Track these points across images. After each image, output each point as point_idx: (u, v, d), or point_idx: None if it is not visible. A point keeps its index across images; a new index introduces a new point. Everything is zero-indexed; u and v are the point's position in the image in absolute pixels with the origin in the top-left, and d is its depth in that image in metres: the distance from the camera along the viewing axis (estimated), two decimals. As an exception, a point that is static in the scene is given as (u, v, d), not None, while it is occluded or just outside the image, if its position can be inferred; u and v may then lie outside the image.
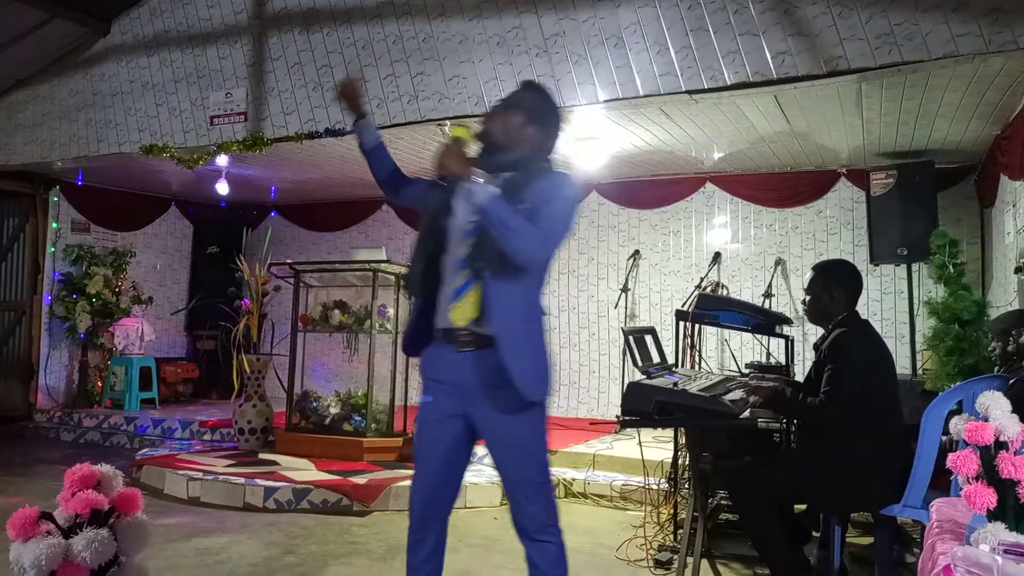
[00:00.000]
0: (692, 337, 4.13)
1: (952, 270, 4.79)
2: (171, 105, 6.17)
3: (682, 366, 4.00)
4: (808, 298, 3.26)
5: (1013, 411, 1.77)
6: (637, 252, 7.24)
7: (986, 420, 1.76)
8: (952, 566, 1.64)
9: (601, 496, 4.99)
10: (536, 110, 2.38)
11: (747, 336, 6.56)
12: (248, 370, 6.12)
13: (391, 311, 5.81)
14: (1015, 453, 1.70)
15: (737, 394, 3.02)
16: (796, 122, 5.28)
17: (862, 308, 3.30)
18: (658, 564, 3.61)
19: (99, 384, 7.90)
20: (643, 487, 4.54)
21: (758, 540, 3.12)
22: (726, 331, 6.58)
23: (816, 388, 3.06)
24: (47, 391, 7.77)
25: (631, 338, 3.38)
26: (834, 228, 6.64)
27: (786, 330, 4.33)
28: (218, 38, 5.99)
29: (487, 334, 2.20)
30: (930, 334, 4.67)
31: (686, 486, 3.97)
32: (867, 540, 3.93)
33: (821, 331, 3.32)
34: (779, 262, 6.73)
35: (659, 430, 5.67)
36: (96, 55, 6.50)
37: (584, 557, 3.84)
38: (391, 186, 2.54)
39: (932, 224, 5.32)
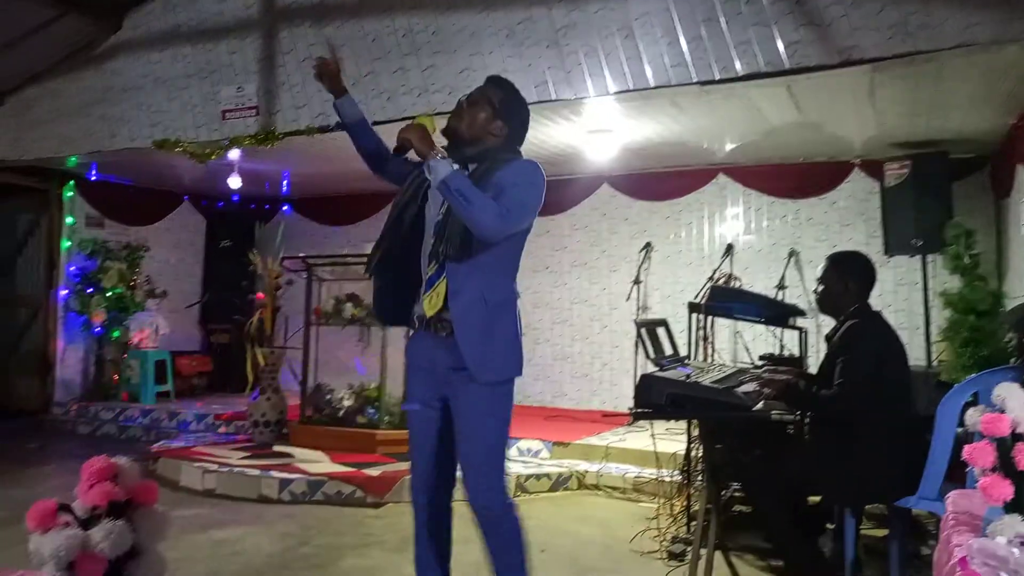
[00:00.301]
0: (705, 329, 4.12)
1: (968, 261, 4.75)
2: (183, 100, 6.19)
3: (695, 358, 4.00)
4: (821, 288, 3.25)
5: (1030, 402, 1.76)
6: (649, 244, 7.22)
7: (1003, 412, 1.75)
8: (968, 558, 1.63)
9: (614, 488, 5.00)
10: (502, 104, 2.44)
11: (760, 328, 6.52)
12: (262, 363, 6.15)
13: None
14: (1032, 445, 1.69)
15: (750, 386, 3.01)
16: (809, 113, 5.24)
17: (876, 300, 3.28)
18: (672, 556, 3.62)
19: (115, 377, 7.96)
20: (656, 479, 4.54)
21: (772, 532, 3.13)
22: (739, 323, 6.55)
23: (829, 380, 3.05)
24: (64, 385, 7.85)
25: (643, 330, 3.38)
26: (848, 219, 6.59)
27: (799, 322, 4.31)
28: (229, 32, 6.00)
29: (450, 319, 2.31)
30: (945, 325, 4.64)
31: (699, 478, 3.97)
32: (881, 532, 3.91)
33: (834, 323, 3.31)
34: (792, 254, 6.68)
35: (672, 422, 5.65)
36: (108, 51, 6.52)
37: (598, 549, 3.85)
38: (376, 161, 2.66)
39: (947, 215, 5.27)
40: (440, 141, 2.38)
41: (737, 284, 6.32)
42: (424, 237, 2.43)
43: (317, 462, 5.24)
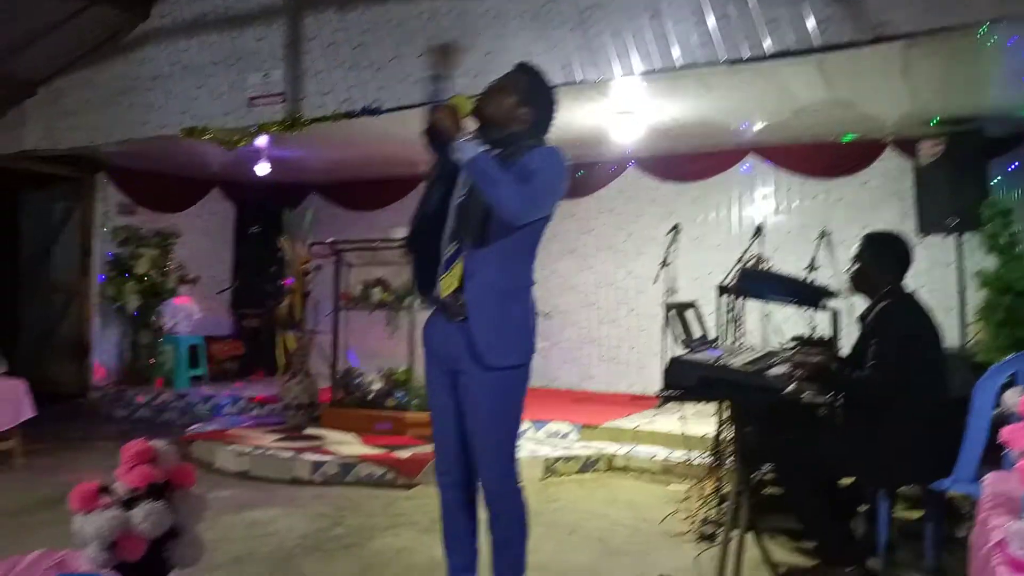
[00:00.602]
0: (734, 311, 4.08)
1: (1005, 240, 4.65)
2: (211, 87, 6.24)
3: (724, 341, 3.97)
4: (855, 267, 3.20)
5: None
6: (677, 226, 7.14)
7: (1042, 393, 1.72)
8: (1006, 541, 1.61)
9: (643, 470, 5.00)
10: (528, 91, 2.47)
11: (790, 310, 6.44)
12: (293, 347, 6.22)
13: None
14: (1072, 426, 1.66)
15: (781, 368, 2.99)
16: (840, 91, 5.14)
17: (909, 280, 3.23)
18: (702, 538, 3.62)
19: (150, 362, 8.11)
20: (686, 461, 4.53)
21: (803, 514, 3.11)
22: (769, 305, 6.49)
23: (862, 361, 3.01)
24: (101, 369, 8.00)
25: (673, 313, 3.36)
26: (880, 199, 6.48)
27: (831, 303, 4.26)
28: (255, 19, 6.02)
29: (465, 302, 2.35)
30: (981, 306, 4.56)
31: (729, 460, 3.95)
32: (915, 514, 3.87)
33: (866, 304, 3.26)
34: (823, 234, 6.59)
35: (701, 405, 5.63)
36: (136, 39, 6.58)
37: (627, 531, 3.87)
38: None
39: (982, 193, 5.16)
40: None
41: (767, 265, 6.23)
42: (449, 218, 2.46)
43: (348, 444, 5.31)
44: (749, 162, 6.95)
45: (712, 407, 4.45)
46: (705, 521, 3.78)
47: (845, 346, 4.37)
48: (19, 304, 8.46)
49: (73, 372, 8.06)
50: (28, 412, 5.04)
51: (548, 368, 7.59)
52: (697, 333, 3.49)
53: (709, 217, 7.15)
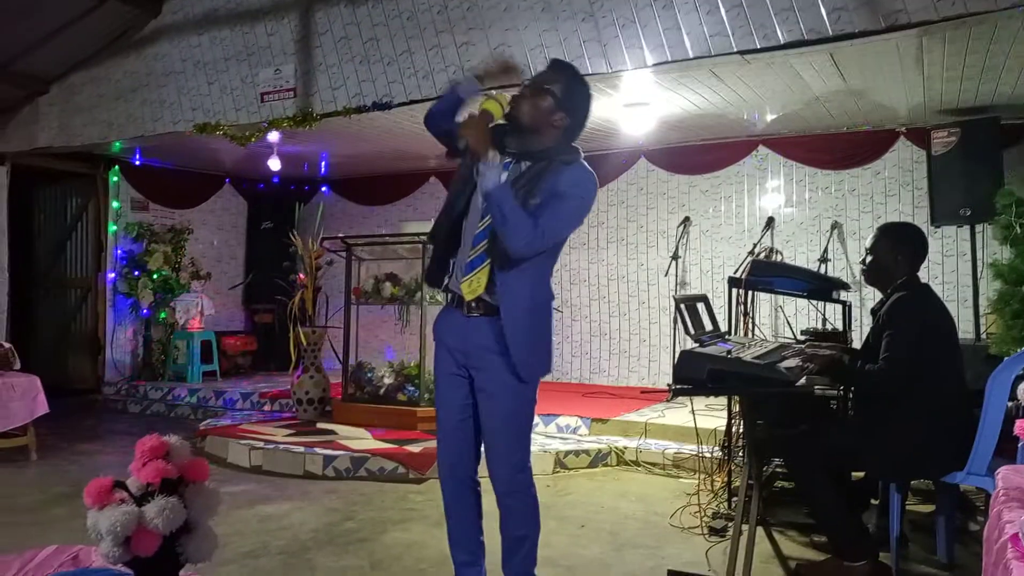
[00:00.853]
0: (745, 304, 4.06)
1: (1019, 230, 4.60)
2: (222, 83, 6.26)
3: (735, 334, 3.95)
4: (870, 258, 3.18)
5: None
6: (687, 219, 7.14)
7: (1056, 386, 1.70)
8: (1020, 534, 1.60)
9: (654, 464, 4.99)
10: (566, 95, 2.37)
11: (802, 302, 6.43)
12: (304, 342, 6.25)
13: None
14: (1087, 419, 1.64)
15: (793, 361, 2.97)
16: (853, 80, 5.10)
17: (922, 271, 3.21)
18: (713, 531, 3.61)
19: (163, 357, 8.17)
20: (696, 455, 4.52)
21: (815, 508, 3.09)
22: (780, 297, 6.47)
23: (874, 354, 2.99)
24: (114, 365, 8.08)
25: (683, 306, 3.34)
26: (893, 189, 6.43)
27: (843, 295, 4.23)
28: (266, 15, 6.04)
29: (494, 304, 2.33)
30: (995, 297, 4.51)
31: (740, 454, 3.95)
32: (928, 508, 3.86)
33: (880, 295, 3.24)
34: (835, 225, 6.56)
35: (711, 398, 5.62)
36: (148, 36, 6.61)
37: (638, 524, 3.87)
38: (448, 137, 2.51)
39: (997, 183, 5.10)
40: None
41: (778, 257, 6.22)
42: (470, 218, 2.41)
43: (360, 439, 5.33)
44: (760, 154, 6.91)
45: (723, 400, 4.44)
46: (716, 515, 3.77)
47: (857, 339, 4.36)
48: (34, 300, 8.53)
49: (88, 367, 8.14)
50: (42, 408, 5.09)
51: (558, 362, 7.60)
52: (708, 326, 3.47)
53: (720, 209, 7.12)
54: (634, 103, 5.68)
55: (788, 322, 6.29)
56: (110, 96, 6.86)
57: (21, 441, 5.12)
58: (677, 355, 2.91)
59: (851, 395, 3.59)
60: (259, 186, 9.31)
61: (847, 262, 6.51)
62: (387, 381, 5.93)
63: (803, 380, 2.89)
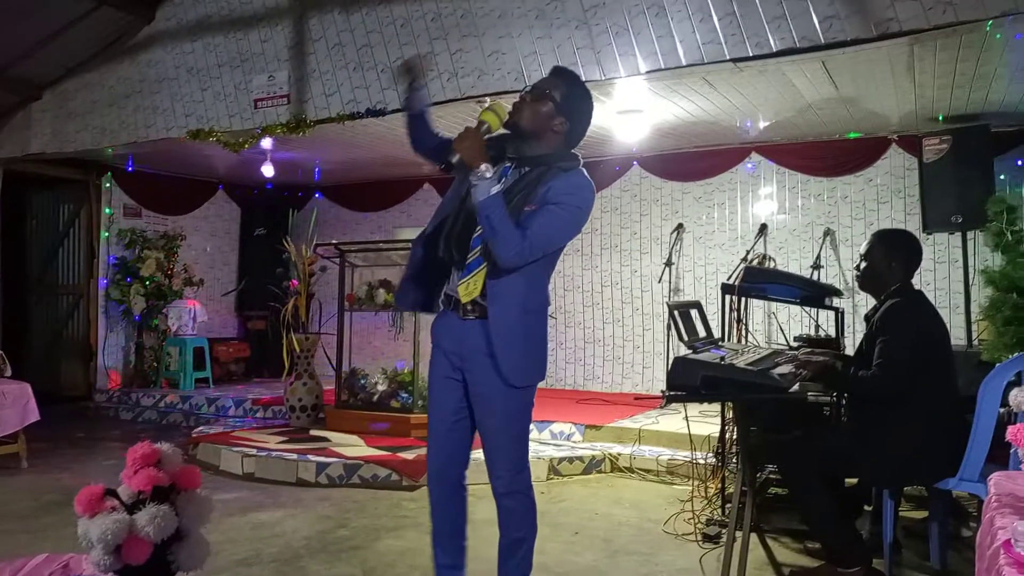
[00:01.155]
0: (738, 311, 4.07)
1: (1010, 237, 4.63)
2: (216, 89, 6.26)
3: (728, 340, 3.96)
4: (864, 265, 3.19)
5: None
6: (681, 225, 7.16)
7: (1047, 392, 1.71)
8: (1012, 541, 1.60)
9: (647, 471, 4.99)
10: (566, 100, 2.39)
11: (795, 309, 6.45)
12: (298, 349, 6.24)
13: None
14: (1078, 426, 1.65)
15: (786, 368, 2.98)
16: (845, 88, 5.13)
17: (915, 278, 3.22)
18: (706, 538, 3.61)
19: (155, 364, 8.13)
20: (690, 461, 4.52)
21: (808, 514, 3.10)
22: (773, 304, 6.48)
23: (868, 360, 3.00)
24: (106, 372, 8.04)
25: (676, 312, 3.35)
26: (885, 196, 6.46)
27: (836, 302, 4.25)
28: (259, 21, 6.04)
29: (488, 308, 2.33)
30: (986, 304, 4.54)
31: (734, 460, 3.95)
32: (921, 514, 3.86)
33: (872, 302, 3.25)
34: (828, 232, 6.58)
35: (705, 405, 5.63)
36: (142, 42, 6.61)
37: (631, 531, 3.86)
38: (433, 156, 2.54)
39: (988, 190, 5.14)
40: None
41: (771, 264, 6.24)
42: (466, 222, 2.38)
43: (353, 446, 5.31)
44: (753, 160, 6.94)
45: (716, 407, 4.44)
46: (710, 521, 3.77)
47: (849, 346, 4.37)
48: (26, 306, 8.49)
49: (80, 374, 8.10)
50: (33, 415, 5.06)
51: (552, 368, 7.60)
52: (701, 333, 3.48)
53: (713, 216, 7.14)
54: (628, 110, 5.69)
55: (781, 329, 6.30)
56: (103, 102, 6.85)
57: (12, 448, 5.09)
58: (671, 361, 2.92)
59: (844, 401, 3.60)
60: (252, 192, 9.29)
61: (840, 269, 6.53)
62: (380, 388, 5.91)
63: (796, 386, 2.90)
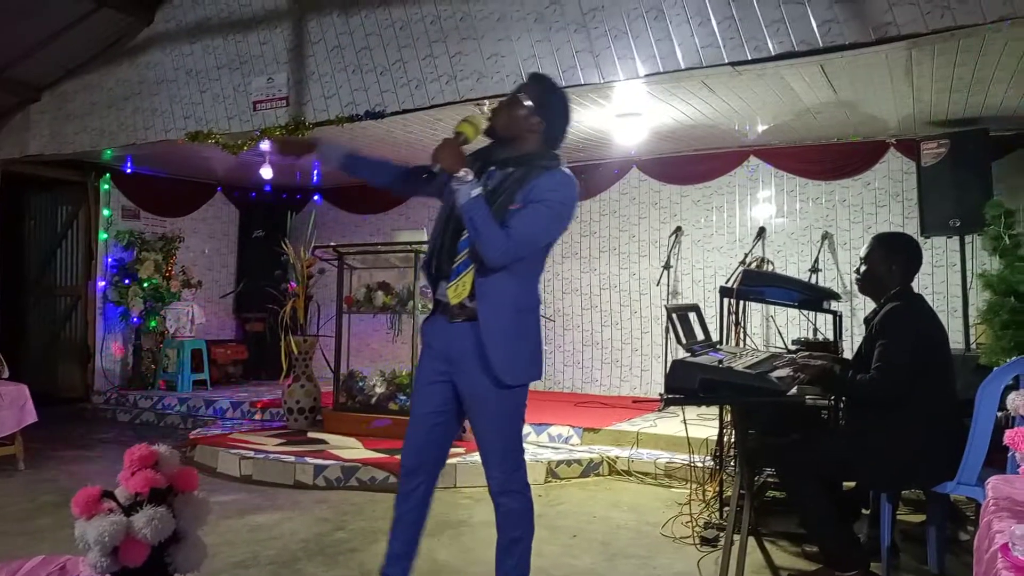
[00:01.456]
0: (737, 314, 4.07)
1: (1008, 241, 4.63)
2: (215, 91, 6.26)
3: (726, 344, 3.96)
4: (864, 268, 3.19)
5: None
6: (679, 228, 7.16)
7: (1045, 396, 1.71)
8: (1010, 544, 1.60)
9: (645, 474, 4.99)
10: (539, 99, 2.45)
11: (793, 312, 6.46)
12: (296, 351, 6.23)
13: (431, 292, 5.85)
14: (1076, 429, 1.65)
15: (784, 371, 2.98)
16: (843, 92, 5.14)
17: (914, 281, 3.22)
18: (704, 541, 3.61)
19: (153, 366, 8.12)
20: (688, 465, 4.52)
21: (806, 518, 3.10)
22: (772, 307, 6.49)
23: (866, 363, 3.00)
24: (104, 373, 8.03)
25: (674, 316, 3.35)
26: (883, 200, 6.47)
27: (834, 305, 4.25)
28: (258, 23, 6.05)
29: (476, 309, 2.36)
30: (984, 307, 4.54)
31: (732, 464, 3.95)
32: (918, 518, 3.86)
33: (871, 305, 3.26)
34: (826, 236, 6.59)
35: (703, 408, 5.63)
36: (141, 44, 6.61)
37: (629, 534, 3.86)
38: (399, 187, 2.68)
39: (986, 194, 5.15)
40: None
41: (770, 267, 6.25)
42: (454, 226, 2.42)
43: (351, 448, 5.30)
44: (752, 164, 6.95)
45: (714, 410, 4.45)
46: (707, 524, 3.77)
47: (847, 349, 4.37)
48: (24, 308, 8.48)
49: (77, 375, 8.08)
50: (30, 417, 5.04)
51: (550, 371, 7.60)
52: (699, 336, 3.48)
53: (712, 219, 7.15)
54: (626, 113, 5.70)
55: (779, 332, 6.31)
56: (102, 104, 6.85)
57: (9, 450, 5.07)
58: (669, 365, 2.92)
59: (842, 405, 3.60)
60: (251, 194, 9.29)
61: (838, 272, 6.54)
62: (378, 390, 5.91)
63: (794, 390, 2.91)
